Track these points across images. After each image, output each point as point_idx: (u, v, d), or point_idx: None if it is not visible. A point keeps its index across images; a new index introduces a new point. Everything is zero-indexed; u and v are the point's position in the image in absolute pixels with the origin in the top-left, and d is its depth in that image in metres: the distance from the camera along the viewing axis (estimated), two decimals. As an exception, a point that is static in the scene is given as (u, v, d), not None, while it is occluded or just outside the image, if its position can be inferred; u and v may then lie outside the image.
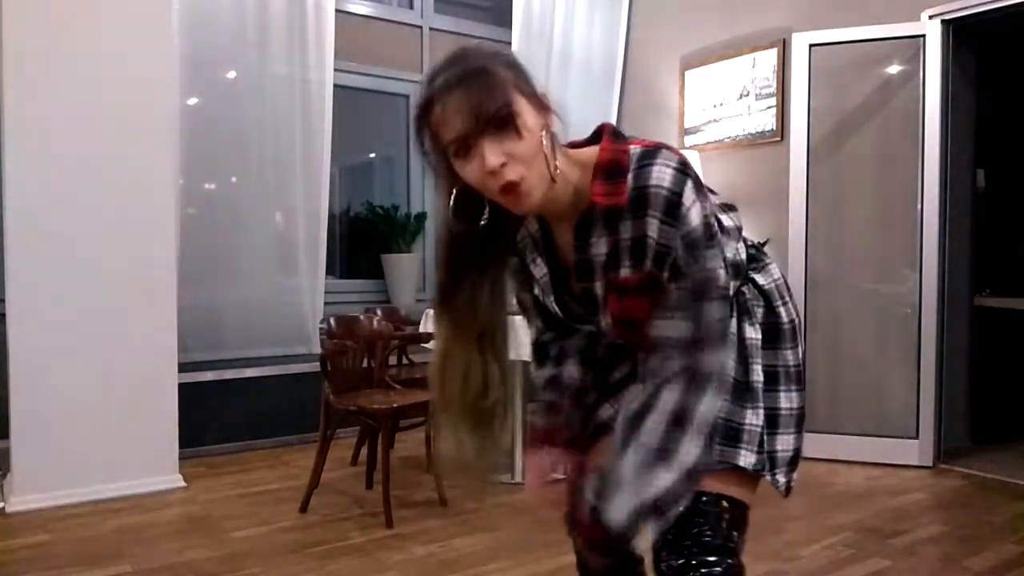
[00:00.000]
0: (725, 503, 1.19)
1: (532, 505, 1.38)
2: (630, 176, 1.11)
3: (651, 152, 1.12)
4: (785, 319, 1.30)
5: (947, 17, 3.56)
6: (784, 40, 4.13)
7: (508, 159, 1.05)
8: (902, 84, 3.71)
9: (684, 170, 1.10)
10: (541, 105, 1.11)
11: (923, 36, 3.60)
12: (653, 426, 1.12)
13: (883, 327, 3.77)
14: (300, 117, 4.23)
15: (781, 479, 1.25)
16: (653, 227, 1.10)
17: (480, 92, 1.04)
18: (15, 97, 2.95)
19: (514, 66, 1.11)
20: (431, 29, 5.04)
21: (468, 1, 5.40)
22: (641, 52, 5.17)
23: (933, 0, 3.60)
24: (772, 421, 1.26)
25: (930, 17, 3.60)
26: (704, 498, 1.19)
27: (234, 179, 4.18)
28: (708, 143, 4.61)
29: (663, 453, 1.11)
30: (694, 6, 4.76)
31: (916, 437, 3.63)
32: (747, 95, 4.40)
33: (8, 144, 2.95)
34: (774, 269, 1.35)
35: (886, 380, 3.76)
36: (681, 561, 1.16)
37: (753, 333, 1.26)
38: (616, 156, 1.13)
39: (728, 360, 1.18)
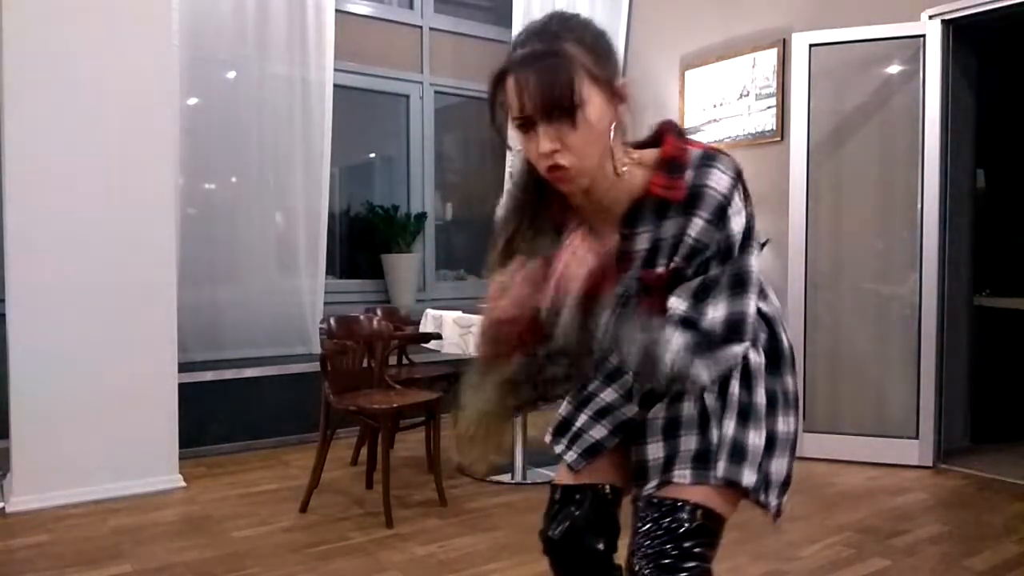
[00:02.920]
0: (700, 513, 1.20)
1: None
2: (689, 173, 1.15)
3: (712, 156, 1.17)
4: (786, 344, 1.33)
5: (947, 17, 3.56)
6: (784, 40, 4.12)
7: (561, 146, 1.07)
8: (902, 84, 3.71)
9: (739, 178, 1.16)
10: (614, 93, 1.11)
11: (923, 36, 3.59)
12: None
13: (883, 327, 3.77)
14: (300, 117, 4.23)
15: (773, 501, 1.26)
16: (696, 226, 1.13)
17: (547, 78, 1.05)
18: (15, 97, 2.95)
19: (596, 47, 1.10)
20: (431, 29, 5.04)
21: (468, 1, 5.39)
22: (641, 52, 5.17)
23: (933, 0, 3.60)
24: (769, 443, 1.27)
25: (930, 17, 3.60)
26: (683, 506, 1.20)
27: (234, 179, 4.18)
28: (708, 143, 4.60)
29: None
30: (694, 6, 4.76)
31: (916, 437, 3.63)
32: (747, 95, 4.40)
33: (8, 144, 2.95)
34: (773, 296, 1.37)
35: (886, 380, 3.76)
36: (653, 567, 1.18)
37: (756, 356, 1.27)
38: (678, 152, 1.18)
39: (741, 354, 1.19)
